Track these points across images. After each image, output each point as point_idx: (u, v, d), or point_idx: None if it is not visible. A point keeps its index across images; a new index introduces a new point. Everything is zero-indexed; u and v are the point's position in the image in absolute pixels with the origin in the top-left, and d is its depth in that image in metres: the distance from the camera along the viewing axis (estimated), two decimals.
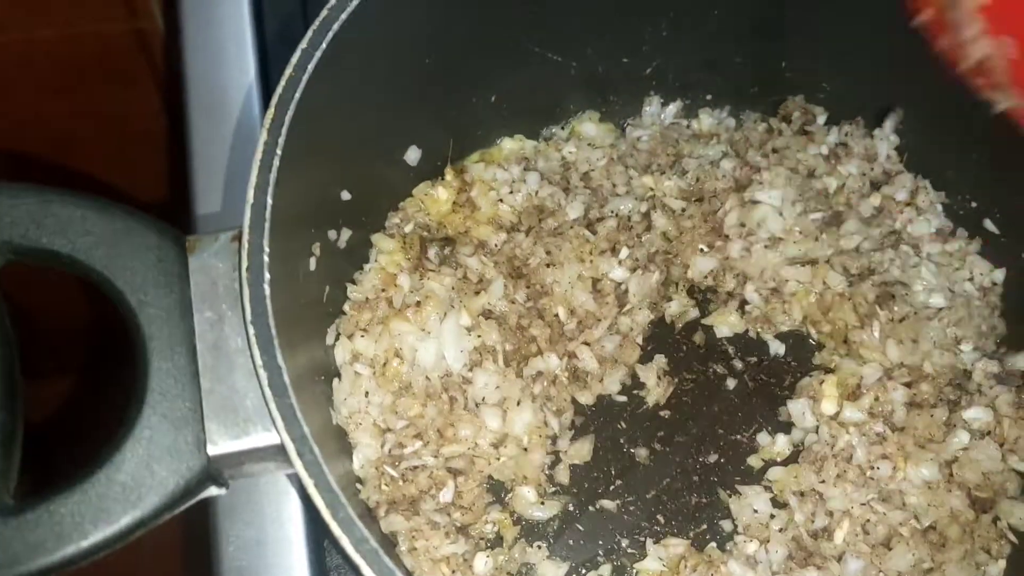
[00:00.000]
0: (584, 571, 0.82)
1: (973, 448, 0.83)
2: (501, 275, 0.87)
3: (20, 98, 1.07)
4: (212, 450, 0.58)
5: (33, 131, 1.00)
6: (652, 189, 0.93)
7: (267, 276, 0.60)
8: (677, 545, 0.82)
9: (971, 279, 0.91)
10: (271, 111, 0.64)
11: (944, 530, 0.81)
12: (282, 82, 0.65)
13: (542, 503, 0.83)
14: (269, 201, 0.62)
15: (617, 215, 0.91)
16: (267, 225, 0.61)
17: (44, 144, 1.02)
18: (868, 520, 0.81)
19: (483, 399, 0.83)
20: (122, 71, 1.16)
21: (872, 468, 0.83)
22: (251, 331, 0.58)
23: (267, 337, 0.58)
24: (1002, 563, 0.81)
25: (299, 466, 0.55)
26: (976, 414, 0.84)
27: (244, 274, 0.59)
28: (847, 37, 0.89)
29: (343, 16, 0.69)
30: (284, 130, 0.64)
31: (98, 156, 0.97)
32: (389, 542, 0.75)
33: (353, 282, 0.83)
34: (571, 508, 0.84)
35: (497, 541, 0.82)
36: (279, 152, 0.63)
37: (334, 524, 0.54)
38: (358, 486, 0.76)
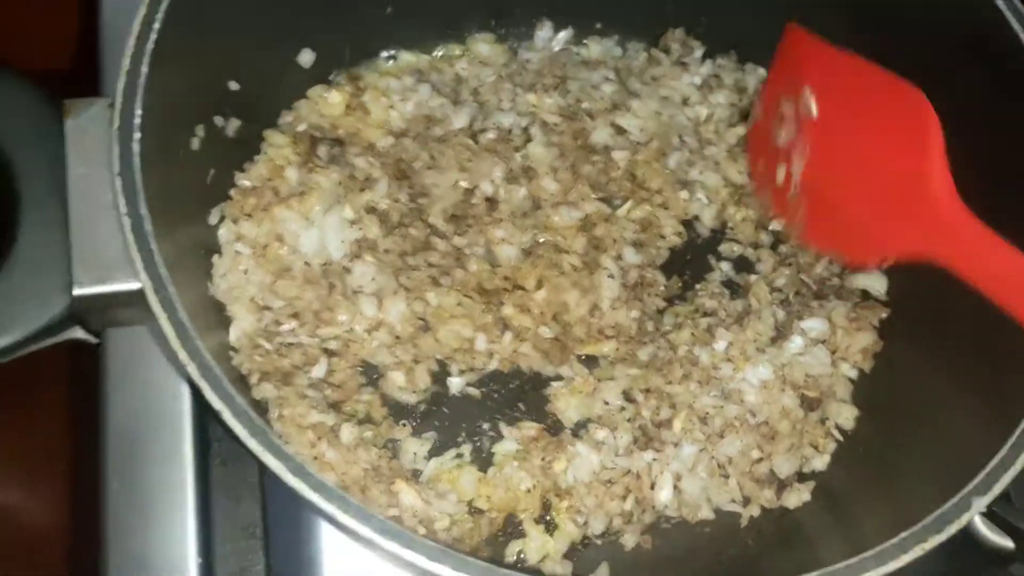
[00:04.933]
0: (446, 450, 0.88)
1: (807, 353, 0.91)
2: (386, 176, 0.93)
3: None
4: (77, 291, 0.63)
5: None
6: (535, 106, 0.99)
7: (137, 135, 0.64)
8: (530, 428, 0.89)
9: None
10: None
11: (775, 424, 0.89)
12: None
13: (411, 388, 0.90)
14: (144, 69, 0.66)
15: (499, 127, 0.97)
16: (140, 92, 0.66)
17: None
18: (708, 413, 0.89)
19: (360, 287, 0.88)
20: None
21: (716, 369, 0.90)
22: (117, 182, 0.63)
23: (132, 188, 0.63)
24: (827, 457, 0.90)
25: (153, 301, 0.60)
26: (814, 324, 0.92)
27: (115, 132, 0.64)
28: None
29: None
30: (163, 5, 0.68)
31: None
32: (260, 408, 0.81)
33: (241, 170, 0.88)
34: (438, 393, 0.90)
35: (366, 419, 0.88)
36: (157, 26, 0.68)
37: (183, 353, 0.59)
38: (231, 353, 0.82)
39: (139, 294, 0.63)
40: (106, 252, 0.64)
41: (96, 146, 0.66)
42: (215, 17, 0.77)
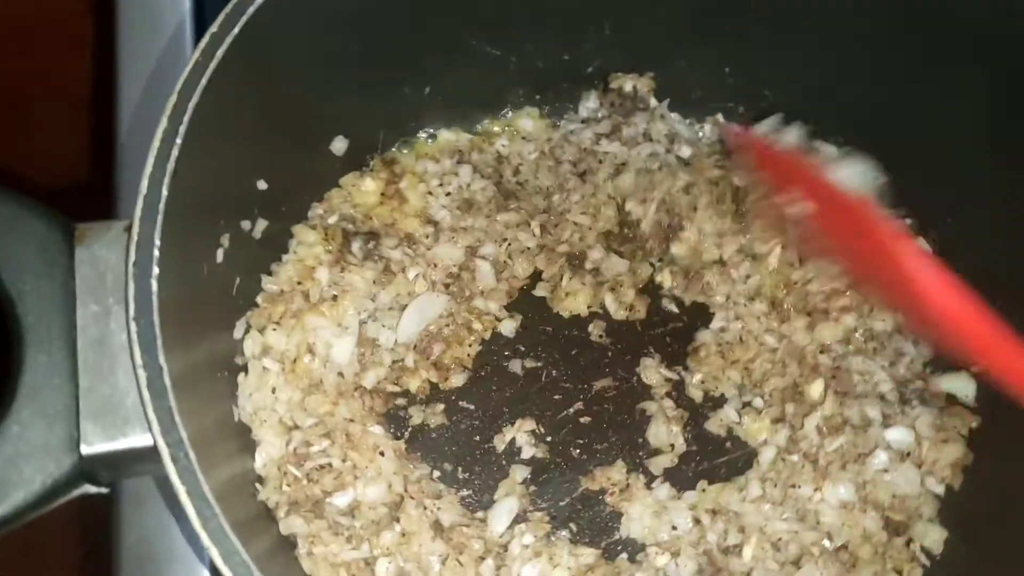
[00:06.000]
0: None
1: (892, 470, 0.82)
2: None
3: None
4: (85, 449, 0.56)
5: None
6: None
7: (155, 271, 0.57)
8: (588, 555, 0.80)
9: None
10: (173, 97, 0.62)
11: (856, 550, 0.81)
12: (187, 67, 0.63)
13: None
14: (164, 192, 0.59)
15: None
16: (160, 218, 0.59)
17: None
18: (780, 538, 0.81)
19: None
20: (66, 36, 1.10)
21: (793, 487, 0.82)
22: (133, 328, 0.55)
23: (150, 336, 0.56)
24: None
25: (171, 471, 0.53)
26: (898, 435, 0.83)
27: (131, 268, 0.56)
28: (792, 48, 0.87)
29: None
30: (186, 118, 0.61)
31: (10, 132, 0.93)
32: (288, 543, 0.74)
33: (269, 273, 0.81)
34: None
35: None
36: (179, 141, 0.60)
37: (204, 534, 0.52)
38: (257, 486, 0.74)
39: (154, 450, 0.56)
40: (119, 403, 0.57)
41: (111, 279, 0.59)
42: (242, 117, 0.69)
